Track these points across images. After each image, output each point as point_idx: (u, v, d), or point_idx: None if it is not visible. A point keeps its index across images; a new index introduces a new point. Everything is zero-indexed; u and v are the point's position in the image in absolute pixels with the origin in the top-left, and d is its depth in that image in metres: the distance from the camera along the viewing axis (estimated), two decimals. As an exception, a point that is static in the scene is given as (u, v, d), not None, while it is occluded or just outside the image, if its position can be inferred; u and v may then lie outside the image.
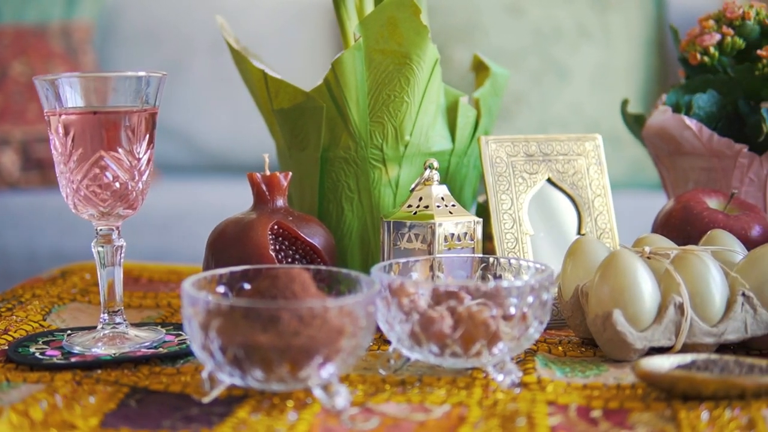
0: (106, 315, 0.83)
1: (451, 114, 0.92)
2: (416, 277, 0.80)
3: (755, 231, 0.89)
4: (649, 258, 0.81)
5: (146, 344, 0.81)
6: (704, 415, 0.68)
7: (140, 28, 2.18)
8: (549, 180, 0.91)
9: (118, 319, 0.83)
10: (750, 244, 0.87)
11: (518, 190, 0.89)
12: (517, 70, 1.86)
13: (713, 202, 0.91)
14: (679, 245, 0.87)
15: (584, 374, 0.76)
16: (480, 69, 1.00)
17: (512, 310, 0.72)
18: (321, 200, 0.92)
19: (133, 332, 0.83)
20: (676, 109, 0.96)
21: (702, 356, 0.73)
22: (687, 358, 0.73)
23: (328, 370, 0.69)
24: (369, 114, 0.88)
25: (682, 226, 0.89)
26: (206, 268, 0.86)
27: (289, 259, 0.85)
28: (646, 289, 0.77)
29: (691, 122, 0.94)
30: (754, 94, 0.96)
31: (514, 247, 0.87)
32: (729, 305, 0.79)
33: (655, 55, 2.04)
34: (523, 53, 1.90)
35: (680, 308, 0.77)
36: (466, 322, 0.72)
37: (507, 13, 1.88)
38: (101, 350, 0.80)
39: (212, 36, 2.10)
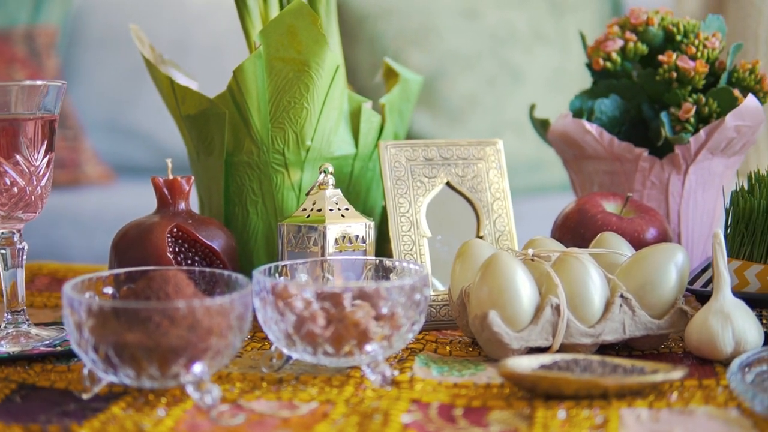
0: (9, 315, 0.86)
1: (355, 119, 0.94)
2: (302, 279, 0.82)
3: (650, 233, 0.91)
4: (532, 260, 0.83)
5: (46, 342, 0.84)
6: (561, 413, 0.70)
7: (105, 32, 2.21)
8: (448, 184, 0.93)
9: (20, 318, 0.86)
10: (645, 246, 0.89)
11: (417, 193, 0.91)
12: (471, 72, 1.88)
13: (611, 205, 0.93)
14: (575, 247, 0.89)
15: (460, 373, 0.78)
16: (390, 75, 1.02)
17: (384, 311, 0.75)
18: (227, 204, 0.94)
19: (35, 331, 0.86)
20: (579, 113, 0.98)
21: (567, 357, 0.75)
22: (551, 358, 0.75)
23: (199, 369, 0.71)
24: (270, 120, 0.91)
25: (577, 229, 0.91)
26: (111, 268, 0.89)
27: (189, 261, 0.88)
28: (524, 290, 0.79)
29: (591, 127, 0.95)
30: (657, 98, 0.98)
31: (411, 249, 0.89)
32: (607, 307, 0.81)
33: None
34: (478, 56, 1.92)
35: (557, 309, 0.79)
36: (336, 323, 0.74)
37: (463, 16, 1.89)
38: (4, 348, 0.83)
39: (177, 39, 2.14)
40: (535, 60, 1.94)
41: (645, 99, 0.98)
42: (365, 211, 0.97)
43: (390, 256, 0.92)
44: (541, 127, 1.02)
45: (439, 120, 1.87)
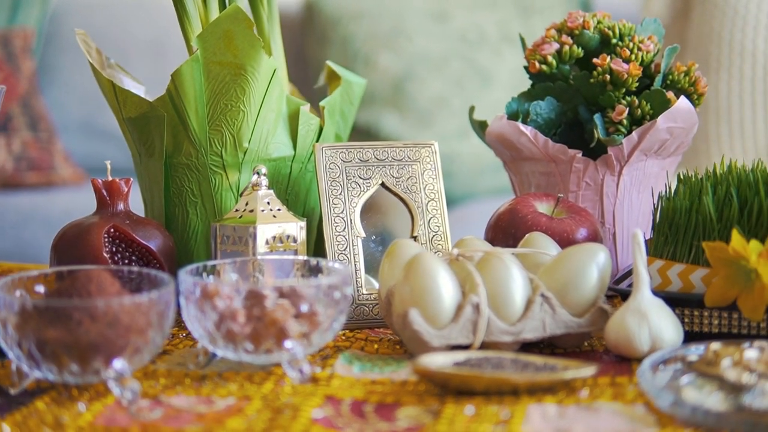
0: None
1: (293, 122, 0.96)
2: (232, 279, 0.84)
3: (580, 234, 0.92)
4: (457, 260, 0.85)
5: (-16, 340, 0.86)
6: (469, 409, 0.71)
7: None
8: (383, 185, 0.95)
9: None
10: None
11: (351, 194, 0.93)
12: (440, 74, 1.90)
13: (543, 206, 0.94)
14: (506, 247, 0.91)
15: (381, 370, 0.80)
16: (333, 78, 1.04)
17: (303, 309, 0.77)
18: (167, 205, 0.96)
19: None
20: (516, 115, 1.00)
21: (479, 354, 0.77)
22: (465, 355, 0.77)
23: (120, 365, 0.73)
24: (208, 122, 0.93)
25: (508, 229, 0.92)
26: (51, 268, 0.91)
27: (126, 261, 0.90)
28: (446, 289, 0.81)
29: (526, 129, 0.97)
30: (593, 101, 0.99)
31: (344, 249, 0.91)
32: (528, 305, 0.82)
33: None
34: (447, 58, 1.94)
35: (477, 308, 0.81)
36: (255, 321, 0.76)
37: (433, 19, 1.91)
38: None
39: (153, 40, 2.16)
40: (503, 62, 1.95)
41: (581, 101, 1.00)
42: (305, 211, 0.99)
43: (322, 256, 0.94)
44: (480, 128, 1.04)
45: (407, 121, 1.89)
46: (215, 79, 0.92)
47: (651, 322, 0.80)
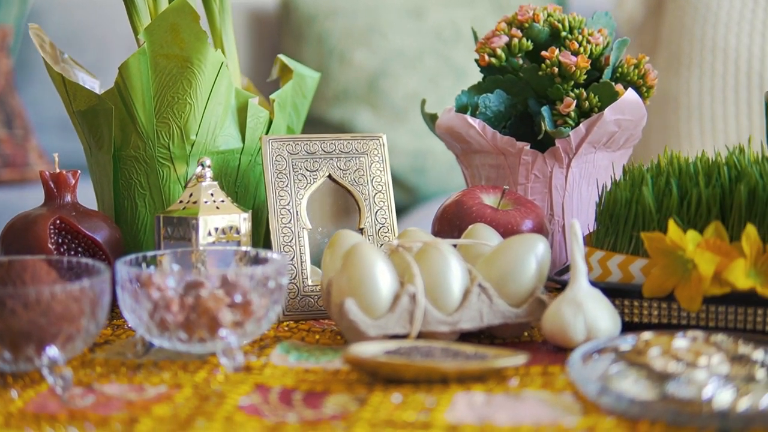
0: None
1: (242, 114, 0.97)
2: (174, 269, 0.85)
3: (525, 225, 0.92)
4: (397, 250, 0.86)
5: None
6: (396, 397, 0.72)
7: (61, 32, 2.24)
8: (330, 177, 0.95)
9: None
10: (521, 237, 0.91)
11: (298, 186, 0.93)
12: (415, 71, 1.90)
13: (490, 198, 0.95)
14: (452, 239, 0.91)
15: (317, 360, 0.80)
16: (285, 72, 1.05)
17: (237, 298, 0.77)
18: (117, 197, 0.97)
19: None
20: (465, 108, 1.00)
21: (410, 343, 0.77)
22: (396, 344, 0.77)
23: (53, 353, 0.74)
24: (155, 115, 0.93)
25: (454, 220, 0.93)
26: None
27: (72, 252, 0.90)
28: (383, 279, 0.81)
29: (474, 121, 0.97)
30: (542, 93, 1.00)
31: (290, 241, 0.92)
32: (465, 295, 0.83)
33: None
34: (422, 55, 1.94)
35: (413, 298, 0.81)
36: (188, 310, 0.77)
37: (407, 15, 1.92)
38: None
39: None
40: (478, 58, 1.95)
41: (531, 94, 1.00)
42: (256, 203, 1.00)
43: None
44: (431, 121, 1.04)
45: (381, 118, 1.89)
46: (162, 72, 0.92)
47: (586, 313, 0.80)
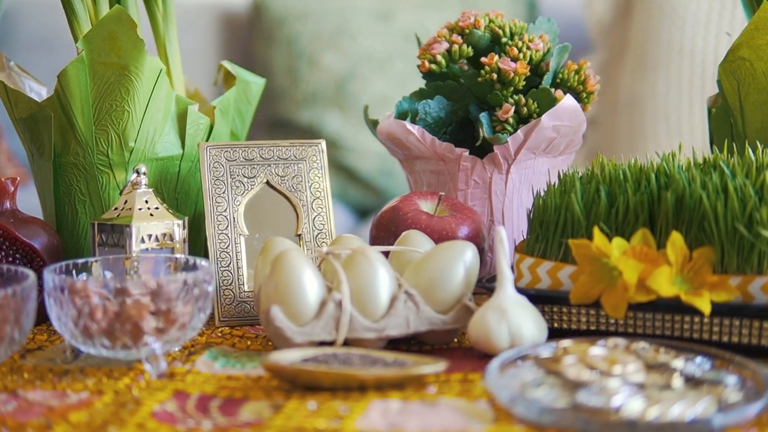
0: None
1: (182, 121, 0.97)
2: (106, 276, 0.85)
3: (461, 232, 0.93)
4: (327, 257, 0.86)
5: None
6: (312, 405, 0.72)
7: (33, 35, 2.25)
8: (268, 183, 0.95)
9: None
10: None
11: (235, 193, 0.94)
12: (383, 74, 1.91)
13: (427, 204, 0.95)
14: (388, 245, 0.92)
15: (243, 366, 0.81)
16: (229, 78, 1.05)
17: (161, 305, 0.78)
18: (57, 203, 0.98)
19: None
20: (405, 115, 1.00)
21: (329, 351, 0.78)
22: (316, 352, 0.78)
23: (-25, 361, 0.75)
24: (94, 122, 0.94)
25: (390, 227, 0.93)
26: (-60, 266, 0.92)
27: (10, 259, 0.91)
28: (310, 286, 0.82)
29: (413, 128, 0.98)
30: (483, 99, 1.00)
31: (227, 247, 0.92)
32: (392, 302, 0.83)
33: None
34: (391, 58, 1.94)
35: (340, 304, 0.82)
36: (112, 318, 0.77)
37: (377, 18, 1.92)
38: None
39: None
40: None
41: (473, 100, 1.00)
42: (196, 210, 1.00)
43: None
44: (374, 127, 1.05)
45: (350, 121, 1.89)
46: (101, 80, 0.93)
47: (510, 320, 0.81)
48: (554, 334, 0.85)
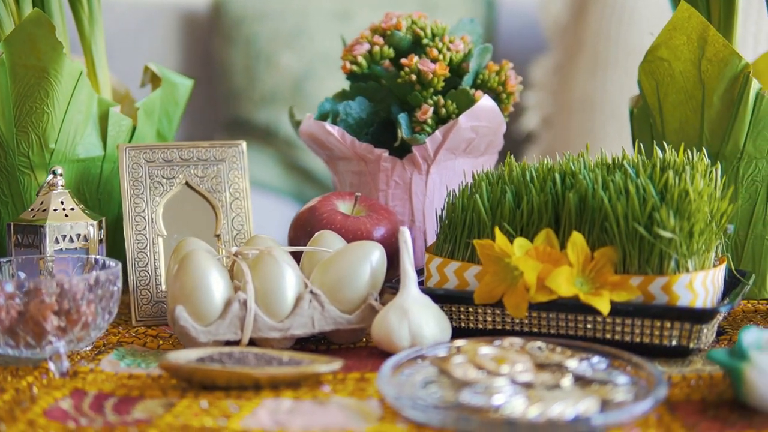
0: None
1: (103, 123, 0.98)
2: (20, 277, 0.86)
3: (377, 232, 0.94)
4: (236, 257, 0.87)
5: None
6: (203, 403, 0.73)
7: None
8: (187, 184, 0.96)
9: None
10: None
11: (154, 193, 0.95)
12: (340, 74, 1.90)
13: (345, 205, 0.96)
14: (303, 245, 0.93)
15: (147, 366, 0.82)
16: (155, 80, 1.06)
17: (66, 305, 0.79)
18: (-19, 204, 0.99)
19: None
20: (326, 116, 1.01)
21: (225, 350, 0.79)
22: (212, 351, 0.79)
23: None
24: (15, 124, 0.95)
25: (306, 227, 0.94)
26: None
27: (-72, 259, 0.93)
28: (216, 286, 0.83)
29: (333, 129, 0.99)
30: (404, 100, 1.01)
31: (144, 248, 0.93)
32: (297, 302, 0.84)
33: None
34: (348, 58, 1.94)
35: (244, 304, 0.83)
36: (15, 317, 0.78)
37: (335, 18, 1.93)
38: None
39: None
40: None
41: (395, 101, 1.01)
42: (120, 210, 1.01)
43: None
44: (297, 128, 1.06)
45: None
46: (21, 82, 0.94)
47: (411, 319, 0.82)
48: (461, 333, 0.86)
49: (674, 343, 0.81)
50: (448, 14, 1.95)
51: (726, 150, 0.96)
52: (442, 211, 0.90)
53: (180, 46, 2.03)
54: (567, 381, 0.73)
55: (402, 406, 0.70)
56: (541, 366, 0.76)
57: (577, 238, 0.82)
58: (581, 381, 0.74)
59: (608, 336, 0.83)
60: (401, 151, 1.00)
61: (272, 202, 1.87)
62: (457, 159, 0.99)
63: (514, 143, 1.86)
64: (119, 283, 0.83)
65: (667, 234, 0.79)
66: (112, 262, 0.84)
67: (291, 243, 0.97)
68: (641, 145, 1.01)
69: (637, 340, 0.82)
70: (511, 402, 0.69)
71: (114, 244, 0.99)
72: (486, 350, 0.76)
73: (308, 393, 0.75)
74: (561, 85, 1.74)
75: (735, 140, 0.96)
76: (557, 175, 0.85)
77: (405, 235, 0.83)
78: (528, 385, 0.72)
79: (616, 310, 0.81)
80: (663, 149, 0.96)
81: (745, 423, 0.69)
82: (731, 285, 0.91)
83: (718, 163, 0.88)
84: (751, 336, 0.75)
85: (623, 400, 0.71)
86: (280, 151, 1.90)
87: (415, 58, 0.98)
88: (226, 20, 1.94)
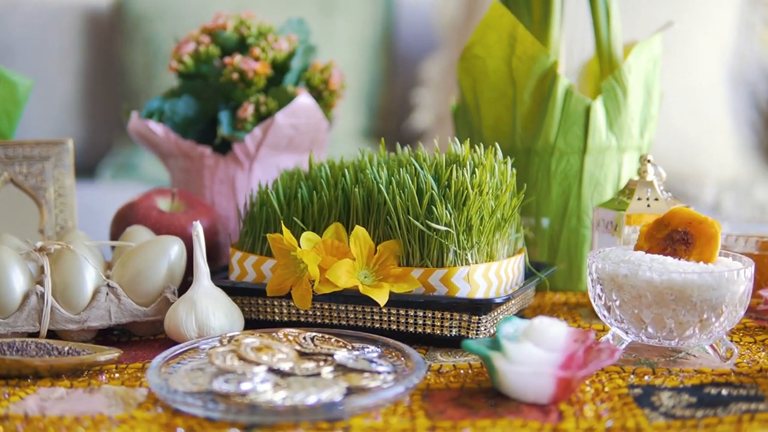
0: None
1: (-65, 122, 1.02)
2: None
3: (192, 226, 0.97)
4: (40, 252, 0.90)
5: None
6: (-22, 391, 0.76)
7: None
8: (12, 181, 0.99)
9: None
10: (188, 238, 0.95)
11: (-21, 190, 0.98)
12: None
13: (166, 201, 0.99)
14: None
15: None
16: (-5, 79, 1.09)
17: None
18: None
19: None
20: (152, 114, 1.04)
21: (7, 340, 0.82)
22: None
23: None
24: None
25: (124, 222, 0.97)
26: None
27: None
28: (17, 280, 0.86)
29: (156, 126, 1.02)
30: (230, 99, 1.03)
31: (-33, 243, 0.96)
32: (94, 295, 0.87)
33: (383, 58, 2.08)
34: (244, 56, 1.97)
35: (42, 297, 0.86)
36: None
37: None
38: None
39: (64, 51, 2.21)
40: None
41: (222, 100, 1.04)
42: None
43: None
44: (128, 127, 1.09)
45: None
46: None
47: (198, 311, 0.84)
48: (257, 325, 0.89)
49: (454, 333, 0.84)
50: (346, 14, 1.97)
51: (537, 146, 0.99)
52: (244, 206, 0.93)
53: (82, 44, 2.05)
54: (327, 369, 0.76)
55: (160, 393, 0.73)
56: (306, 355, 0.78)
57: (359, 232, 0.85)
58: (342, 369, 0.77)
59: (394, 327, 0.86)
60: (228, 148, 1.02)
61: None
62: (281, 156, 1.02)
63: (410, 140, 1.88)
64: None
65: (441, 227, 0.81)
66: None
67: (112, 238, 0.99)
68: (460, 141, 1.03)
69: (420, 330, 0.85)
70: (256, 388, 0.72)
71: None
72: (250, 340, 0.79)
73: (84, 382, 0.78)
74: (454, 84, 1.76)
75: (546, 136, 0.99)
76: (347, 171, 0.88)
77: (198, 229, 0.86)
78: (286, 374, 0.75)
79: (399, 301, 0.84)
80: (479, 146, 0.99)
81: (490, 411, 0.72)
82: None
83: (508, 158, 0.91)
84: (508, 327, 0.78)
85: (376, 386, 0.74)
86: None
87: (237, 57, 1.01)
88: (127, 20, 1.97)
